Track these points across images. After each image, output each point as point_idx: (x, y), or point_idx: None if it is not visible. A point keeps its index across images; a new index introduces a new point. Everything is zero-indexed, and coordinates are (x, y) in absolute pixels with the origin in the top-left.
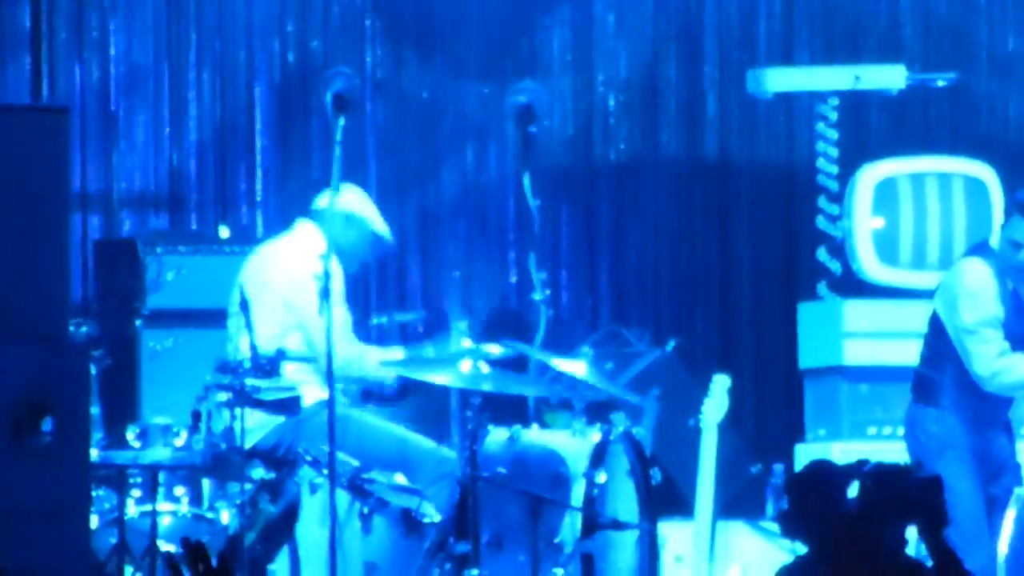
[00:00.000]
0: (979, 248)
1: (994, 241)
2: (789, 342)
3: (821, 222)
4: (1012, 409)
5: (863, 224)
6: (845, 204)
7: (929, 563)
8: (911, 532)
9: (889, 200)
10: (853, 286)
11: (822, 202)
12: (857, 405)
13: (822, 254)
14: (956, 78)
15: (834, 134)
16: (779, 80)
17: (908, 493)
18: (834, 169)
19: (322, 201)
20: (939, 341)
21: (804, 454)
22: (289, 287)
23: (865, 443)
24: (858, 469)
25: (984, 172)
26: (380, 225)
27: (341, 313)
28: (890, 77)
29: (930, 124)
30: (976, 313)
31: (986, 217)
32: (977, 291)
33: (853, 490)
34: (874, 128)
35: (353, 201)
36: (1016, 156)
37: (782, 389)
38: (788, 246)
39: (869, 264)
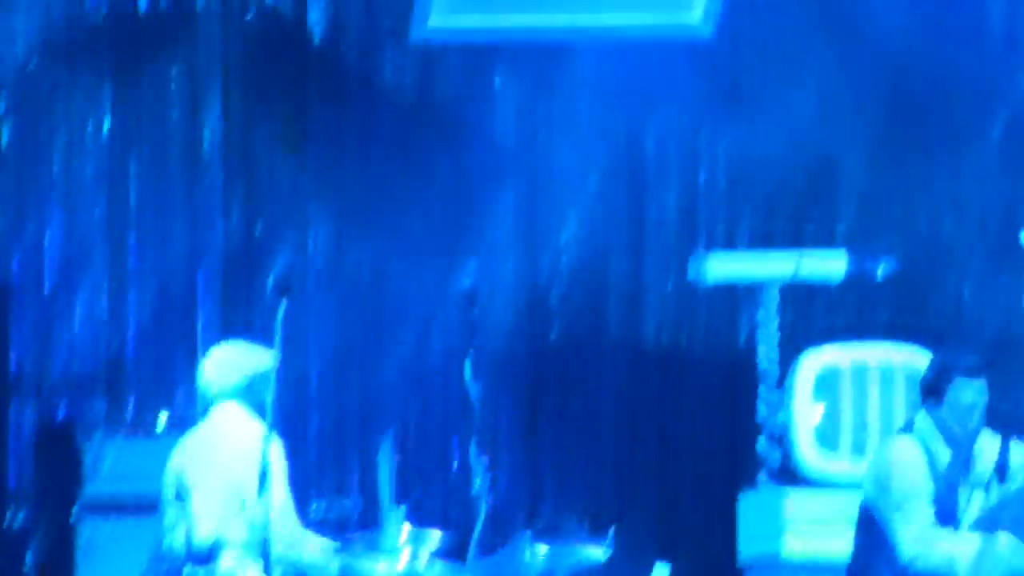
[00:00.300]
0: (904, 426)
1: (919, 418)
2: (729, 531)
3: (761, 410)
4: None
5: (803, 413)
6: (786, 393)
7: None
8: None
9: (830, 389)
10: (794, 476)
11: (762, 390)
12: None
13: (761, 443)
14: (896, 265)
15: (775, 321)
16: (720, 267)
17: None
18: (774, 356)
19: (232, 376)
20: (870, 531)
21: None
22: (232, 470)
23: None
24: None
25: (926, 362)
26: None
27: (282, 495)
28: (830, 264)
29: (870, 311)
30: (900, 490)
31: None
32: (900, 467)
33: None
34: (815, 315)
35: (248, 358)
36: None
37: None
38: (729, 434)
39: (809, 453)
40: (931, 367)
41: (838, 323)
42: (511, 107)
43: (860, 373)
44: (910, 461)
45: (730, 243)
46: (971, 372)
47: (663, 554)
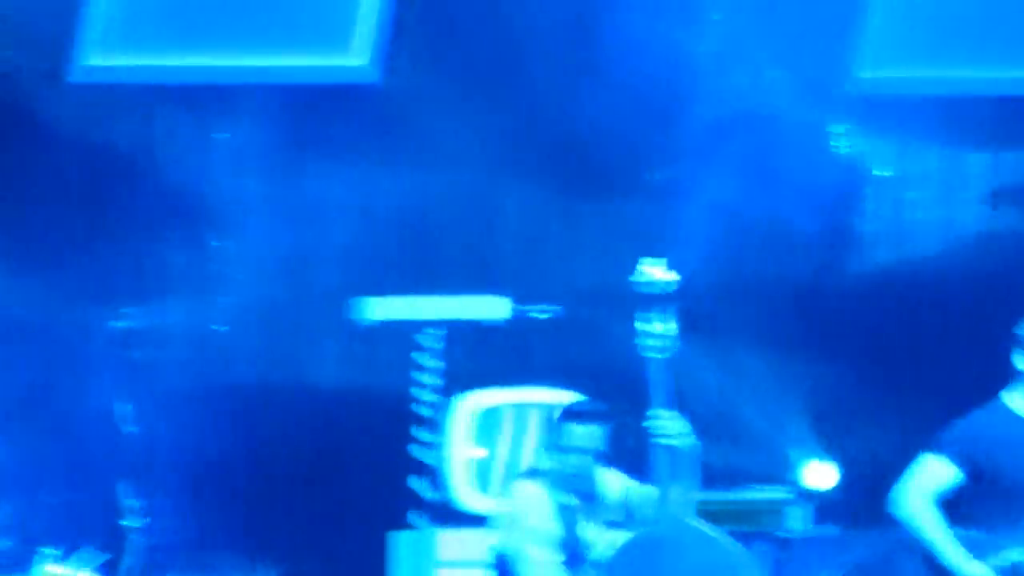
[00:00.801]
0: (529, 471)
1: (543, 462)
2: (381, 572)
3: (416, 450)
4: None
5: (460, 453)
6: (442, 433)
7: None
8: None
9: (488, 430)
10: (448, 515)
11: (418, 431)
12: None
13: (416, 482)
14: (559, 311)
15: (437, 363)
16: (382, 308)
17: None
18: (430, 397)
19: None
20: (504, 569)
21: None
22: None
23: None
24: None
25: None
26: None
27: None
28: (495, 308)
29: (532, 354)
30: (524, 533)
31: None
32: (529, 510)
33: None
34: (476, 357)
35: None
36: (617, 387)
37: None
38: (386, 473)
39: (464, 493)
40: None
41: (497, 366)
42: (176, 147)
43: (519, 414)
44: (534, 503)
45: (392, 286)
46: (581, 418)
47: None
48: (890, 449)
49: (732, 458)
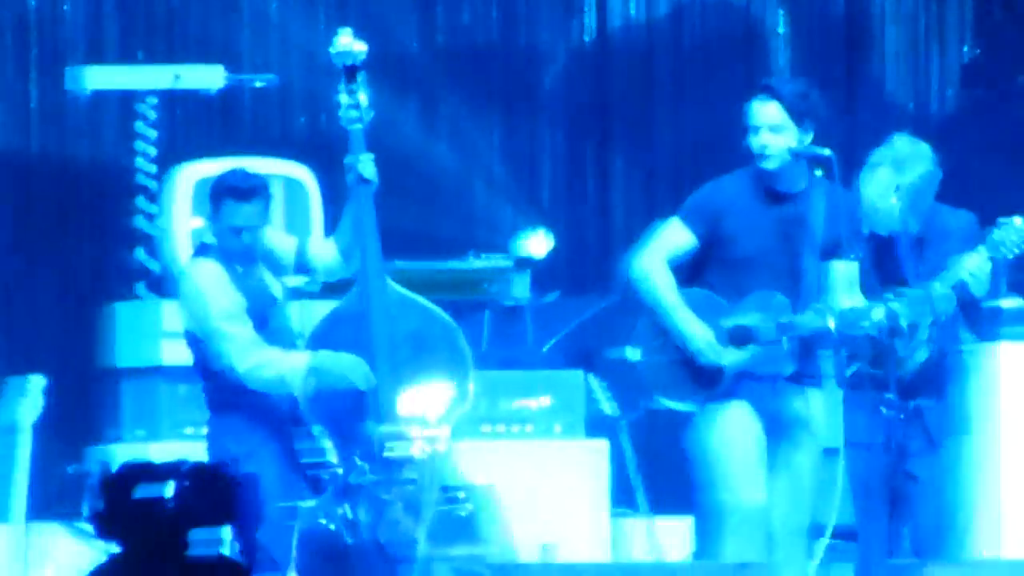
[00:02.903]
0: (199, 249)
1: (209, 238)
2: (105, 342)
3: (140, 221)
4: None
5: (180, 223)
6: (162, 203)
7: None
8: (227, 532)
9: (204, 199)
10: (172, 285)
11: (141, 202)
12: (175, 405)
13: (140, 254)
14: (275, 80)
15: (153, 133)
16: (97, 78)
17: (223, 493)
18: (153, 168)
19: None
20: (201, 349)
21: (122, 454)
22: None
23: (183, 443)
24: (175, 469)
25: (302, 173)
26: None
27: None
28: (208, 77)
29: (250, 124)
30: (214, 313)
31: (304, 218)
32: (210, 289)
33: (169, 490)
34: (194, 128)
35: None
36: (335, 157)
37: (99, 389)
38: (103, 245)
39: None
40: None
41: (218, 135)
42: None
43: None
44: (213, 279)
45: (109, 55)
46: (242, 195)
47: (39, 367)
48: (607, 216)
49: (450, 226)
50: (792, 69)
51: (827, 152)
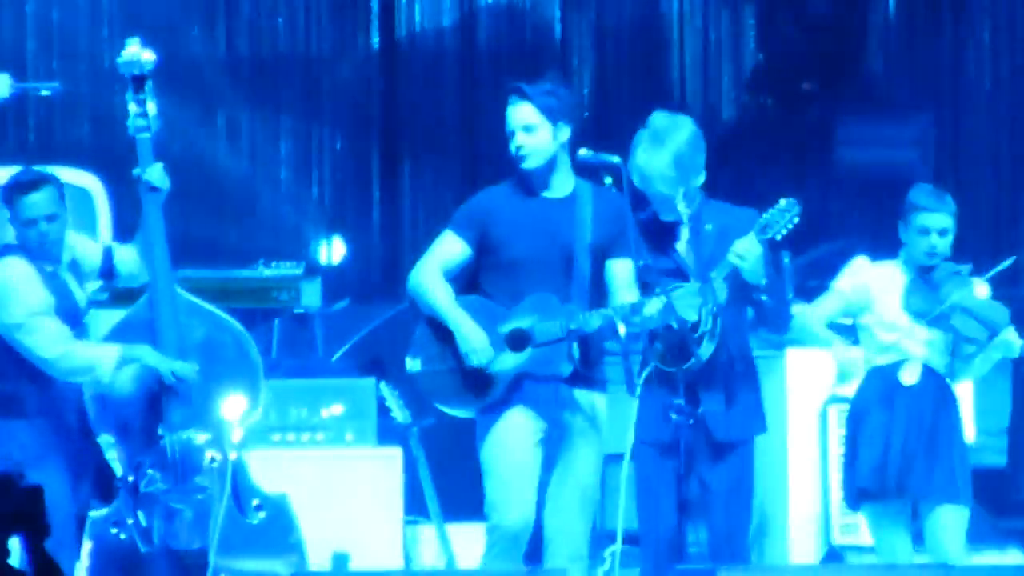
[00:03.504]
0: (2, 249)
1: (9, 237)
2: None
3: None
4: None
5: None
6: None
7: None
8: (14, 542)
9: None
10: None
11: None
12: None
13: None
14: (60, 87)
15: None
16: None
17: (11, 504)
18: None
19: None
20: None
21: None
22: None
23: None
24: None
25: (89, 181)
26: None
27: None
28: None
29: (34, 132)
30: (22, 307)
31: (91, 223)
32: (17, 285)
33: None
34: None
35: None
36: (120, 162)
37: None
38: None
39: None
40: None
41: (6, 144)
42: None
43: None
44: (21, 275)
45: None
46: (29, 188)
47: None
48: (396, 224)
49: (244, 235)
50: (582, 75)
51: (615, 159)
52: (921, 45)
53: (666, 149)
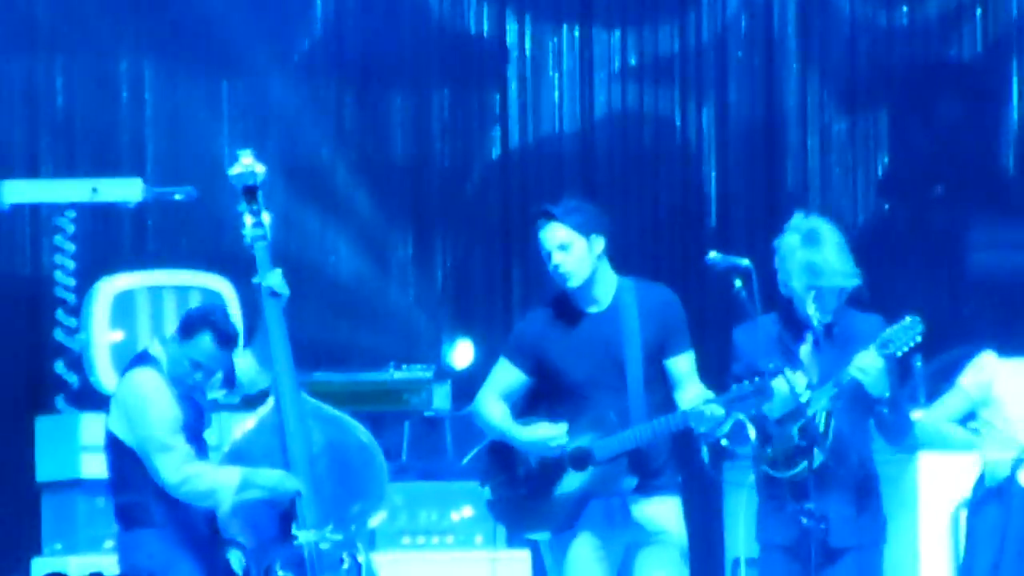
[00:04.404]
0: (143, 358)
1: (156, 350)
2: (26, 456)
3: (59, 334)
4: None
5: (101, 336)
6: (82, 317)
7: None
8: None
9: (127, 313)
10: (92, 399)
11: (60, 315)
12: (94, 518)
13: (60, 367)
14: (193, 192)
15: (72, 246)
16: (16, 192)
17: None
18: (71, 282)
19: None
20: (123, 461)
21: (41, 567)
22: None
23: (101, 556)
24: None
25: (221, 285)
26: None
27: None
28: (128, 190)
29: (168, 238)
30: (157, 425)
31: None
32: (154, 400)
33: None
34: (114, 241)
35: None
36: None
37: (19, 503)
38: (27, 359)
39: (107, 376)
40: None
41: (133, 248)
42: None
43: (157, 296)
44: (158, 391)
45: (25, 169)
46: (223, 341)
47: None
48: None
49: (373, 338)
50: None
51: (746, 262)
52: None
53: (828, 245)
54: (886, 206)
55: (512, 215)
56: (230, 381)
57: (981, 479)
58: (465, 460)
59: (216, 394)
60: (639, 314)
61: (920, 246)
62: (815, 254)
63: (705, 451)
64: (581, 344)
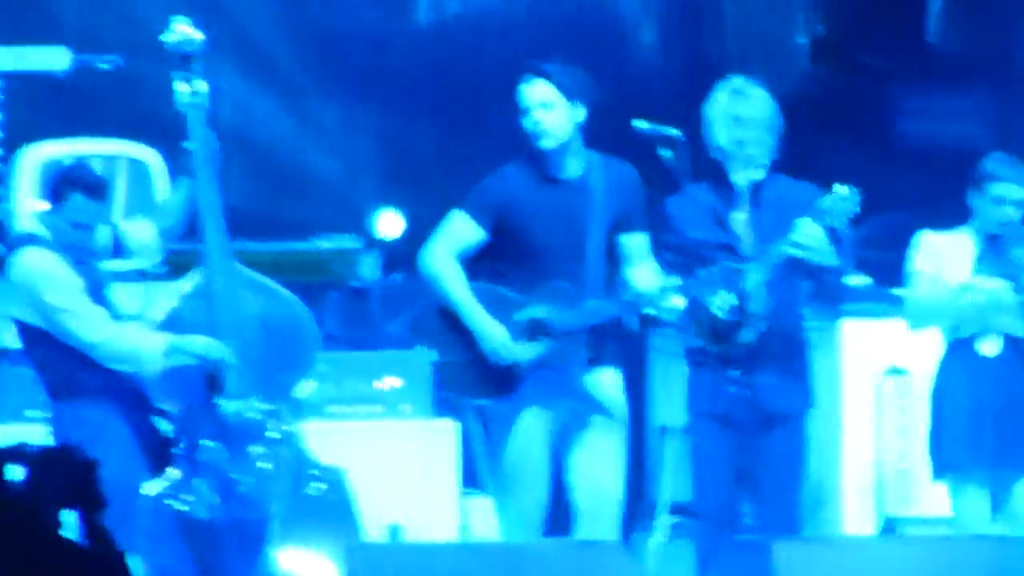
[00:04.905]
0: (23, 239)
1: (34, 227)
2: None
3: None
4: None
5: (24, 204)
6: (5, 185)
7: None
8: (70, 516)
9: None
10: None
11: None
12: (16, 387)
13: None
14: (119, 60)
15: None
16: None
17: (67, 477)
18: None
19: None
20: (39, 344)
21: None
22: None
23: (23, 425)
24: (17, 452)
25: (147, 154)
26: None
27: None
28: (53, 58)
29: (96, 106)
30: (62, 291)
31: (149, 199)
32: (50, 272)
33: (13, 473)
34: (39, 110)
35: None
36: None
37: None
38: None
39: None
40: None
41: (59, 117)
42: None
43: None
44: (51, 263)
45: None
46: (89, 192)
47: None
48: (454, 197)
49: (300, 208)
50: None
51: (675, 132)
52: (983, 16)
53: (756, 100)
54: (816, 73)
55: (442, 83)
56: (119, 248)
57: (949, 349)
58: (392, 328)
59: (109, 264)
60: (606, 188)
61: (848, 114)
62: (741, 106)
63: (635, 320)
64: (549, 208)
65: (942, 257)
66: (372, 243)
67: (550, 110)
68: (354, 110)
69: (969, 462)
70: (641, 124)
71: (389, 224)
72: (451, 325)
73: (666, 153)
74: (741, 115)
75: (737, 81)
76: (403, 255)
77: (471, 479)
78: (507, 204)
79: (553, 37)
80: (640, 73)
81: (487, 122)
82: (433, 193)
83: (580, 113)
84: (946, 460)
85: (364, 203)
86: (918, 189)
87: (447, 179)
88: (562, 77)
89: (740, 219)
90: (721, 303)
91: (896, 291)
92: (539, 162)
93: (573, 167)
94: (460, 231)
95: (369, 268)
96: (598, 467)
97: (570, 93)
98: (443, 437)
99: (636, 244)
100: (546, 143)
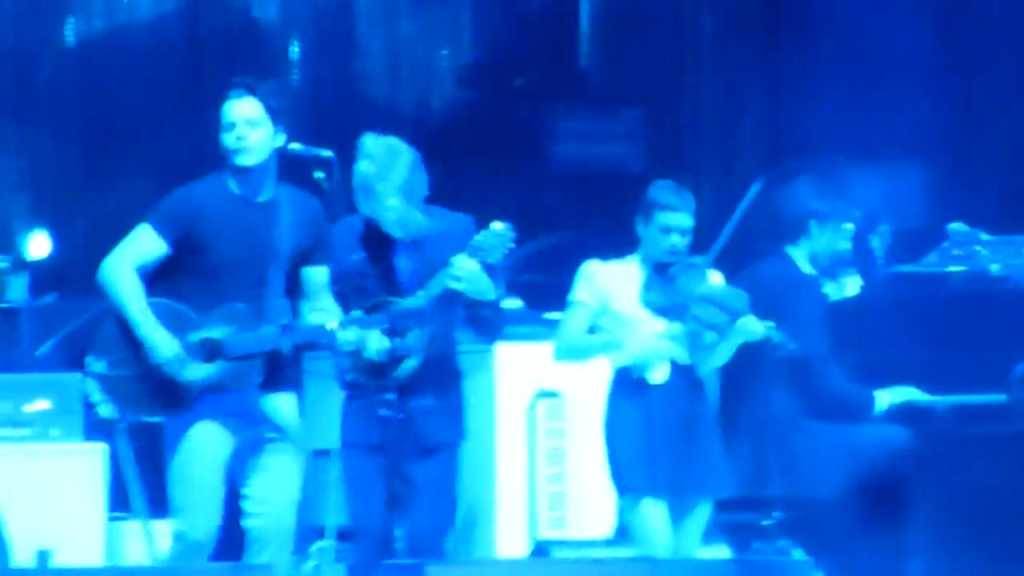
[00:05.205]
0: None
1: None
2: None
3: None
4: None
5: None
6: None
7: None
8: None
9: None
10: None
11: None
12: None
13: None
14: None
15: None
16: None
17: None
18: None
19: None
20: None
21: None
22: None
23: None
24: None
25: None
26: None
27: None
28: None
29: None
30: None
31: None
32: None
33: None
34: None
35: None
36: None
37: None
38: None
39: None
40: None
41: None
42: None
43: None
44: None
45: None
46: None
47: None
48: (104, 218)
49: None
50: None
51: (328, 153)
52: (634, 40)
53: (389, 182)
54: (469, 96)
55: (87, 104)
56: None
57: (618, 377)
58: (41, 351)
59: None
60: (293, 217)
61: (502, 137)
62: (375, 186)
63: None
64: (236, 228)
65: (609, 286)
66: (21, 264)
67: (255, 128)
68: (2, 128)
69: (646, 484)
70: (295, 146)
71: (38, 245)
72: (126, 338)
73: (319, 175)
74: (377, 195)
75: (373, 148)
76: (52, 276)
77: (123, 503)
78: (193, 219)
79: (202, 55)
80: (289, 94)
81: (136, 142)
82: (81, 214)
83: (280, 139)
84: (625, 483)
85: (12, 224)
86: (572, 211)
87: (96, 200)
88: (271, 99)
89: (401, 258)
90: (379, 347)
91: (549, 315)
92: (234, 180)
93: (265, 190)
94: (143, 243)
95: (18, 290)
96: (272, 491)
97: (276, 116)
98: (91, 460)
99: (317, 277)
100: (246, 160)
